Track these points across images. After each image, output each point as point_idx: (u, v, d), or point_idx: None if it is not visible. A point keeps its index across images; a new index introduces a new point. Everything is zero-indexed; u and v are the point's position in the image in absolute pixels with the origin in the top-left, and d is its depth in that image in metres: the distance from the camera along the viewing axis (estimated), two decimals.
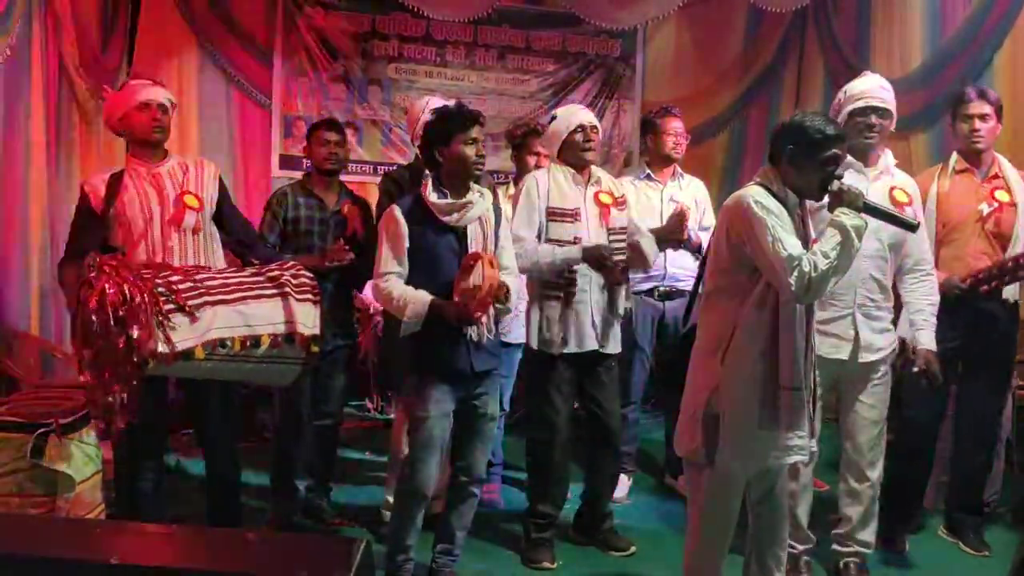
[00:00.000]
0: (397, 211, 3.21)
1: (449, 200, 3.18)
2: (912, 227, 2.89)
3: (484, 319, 3.17)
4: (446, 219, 3.17)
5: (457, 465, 3.38)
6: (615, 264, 3.58)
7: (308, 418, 4.02)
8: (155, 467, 3.53)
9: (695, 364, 2.85)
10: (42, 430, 3.15)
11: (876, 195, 3.28)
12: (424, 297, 3.11)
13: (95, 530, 2.32)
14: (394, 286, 3.16)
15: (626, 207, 3.74)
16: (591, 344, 3.62)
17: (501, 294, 3.12)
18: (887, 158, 3.49)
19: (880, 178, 3.44)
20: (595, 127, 3.70)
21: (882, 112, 3.41)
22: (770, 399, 2.67)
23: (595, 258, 3.57)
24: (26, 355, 4.44)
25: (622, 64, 6.97)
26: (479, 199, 3.23)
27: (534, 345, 3.66)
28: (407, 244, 3.17)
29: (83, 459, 3.25)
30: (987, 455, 4.02)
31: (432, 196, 3.18)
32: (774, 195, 2.72)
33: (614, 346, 3.71)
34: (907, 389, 3.82)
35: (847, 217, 2.62)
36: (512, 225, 3.60)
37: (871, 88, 3.44)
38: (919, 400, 3.86)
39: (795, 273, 2.55)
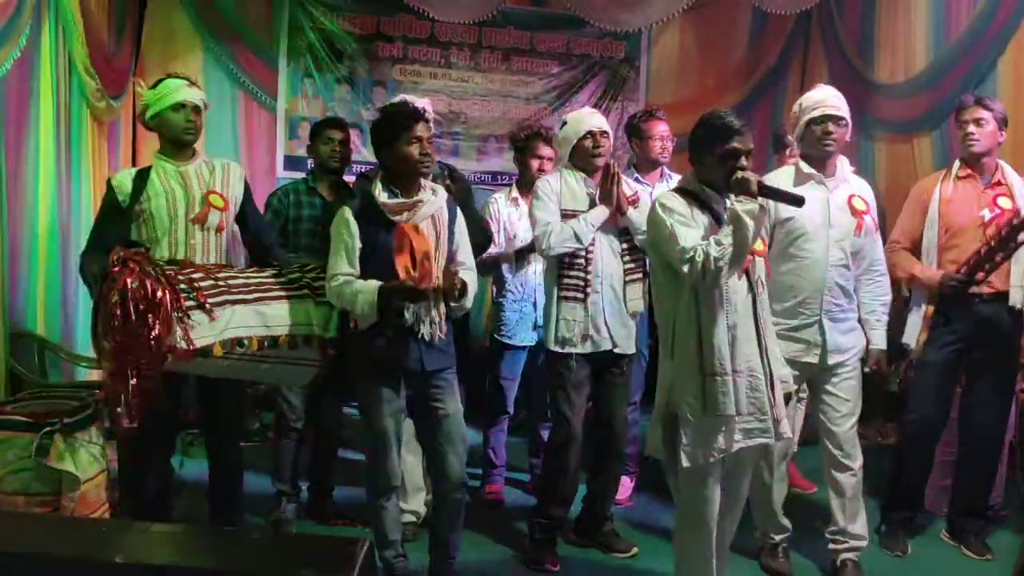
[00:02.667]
0: (348, 212, 3.20)
1: (399, 200, 3.17)
2: (798, 202, 2.92)
3: (437, 317, 3.16)
4: (397, 219, 3.16)
5: (435, 476, 3.37)
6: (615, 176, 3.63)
7: (304, 419, 4.03)
8: (161, 467, 3.54)
9: (659, 366, 3.03)
10: (47, 429, 3.18)
11: (836, 204, 3.46)
12: (372, 285, 3.09)
13: (100, 529, 2.35)
14: (343, 283, 3.14)
15: (639, 205, 3.72)
16: (605, 344, 3.63)
17: (454, 276, 3.13)
18: (844, 166, 3.56)
19: (839, 187, 3.51)
20: (605, 132, 3.70)
21: (838, 120, 3.45)
22: (702, 386, 2.82)
23: (609, 191, 3.59)
24: (32, 355, 4.46)
25: (626, 66, 6.97)
26: (431, 197, 3.22)
27: (551, 346, 3.67)
28: (359, 245, 3.16)
29: (88, 458, 3.27)
30: (991, 459, 4.03)
31: (382, 196, 3.17)
32: (692, 194, 2.91)
33: (628, 346, 3.71)
34: (910, 392, 3.84)
35: (740, 204, 2.76)
36: (536, 217, 3.65)
37: (826, 97, 3.50)
38: (921, 403, 3.87)
39: (688, 263, 2.76)
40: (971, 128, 3.75)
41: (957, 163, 3.88)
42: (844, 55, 6.27)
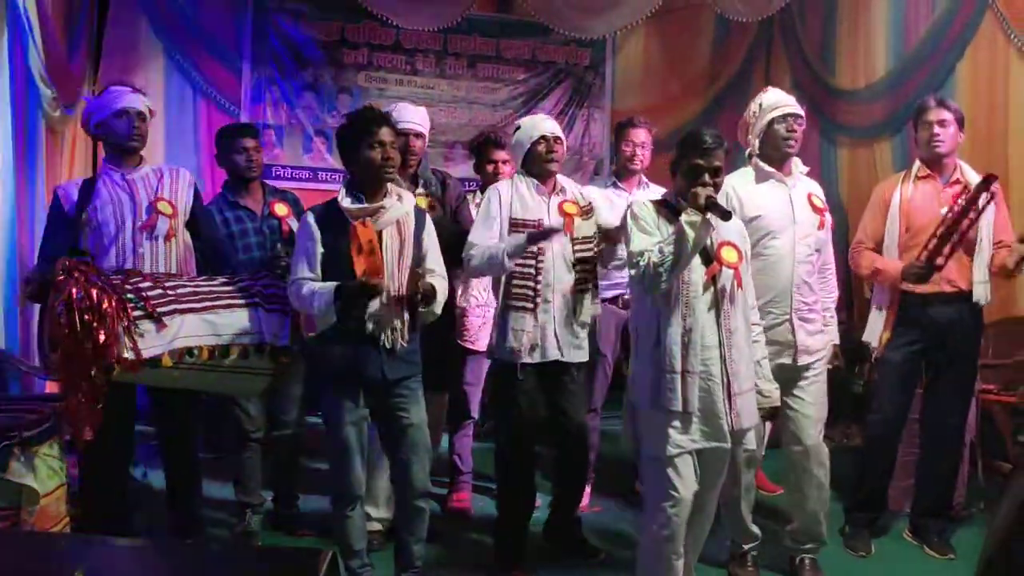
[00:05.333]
0: (310, 217, 3.19)
1: (362, 205, 3.15)
2: (726, 216, 2.94)
3: (398, 324, 3.14)
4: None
5: (398, 484, 3.35)
6: (557, 230, 3.53)
7: (265, 429, 3.99)
8: (120, 479, 3.50)
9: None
10: (6, 443, 3.12)
11: (798, 201, 3.55)
12: (329, 285, 3.08)
13: (60, 543, 2.31)
14: (304, 286, 3.12)
15: (593, 215, 3.72)
16: (553, 354, 3.59)
17: (418, 278, 3.10)
18: (797, 166, 3.64)
19: (796, 186, 3.58)
20: (558, 138, 3.68)
21: (798, 118, 3.56)
22: (656, 382, 2.96)
23: (540, 236, 3.51)
24: None
25: (591, 73, 7.02)
26: (395, 203, 3.20)
27: (498, 355, 3.64)
28: (320, 250, 3.14)
29: (47, 472, 3.21)
30: (953, 459, 4.07)
31: (345, 201, 3.16)
32: (671, 205, 3.04)
33: (578, 355, 3.66)
34: (872, 392, 3.88)
35: (685, 216, 2.87)
36: (469, 237, 3.60)
37: (785, 97, 3.61)
38: (882, 403, 3.91)
39: (635, 267, 2.95)
40: (936, 129, 3.80)
41: (917, 164, 3.93)
42: (806, 61, 6.35)
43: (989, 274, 3.78)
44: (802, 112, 3.60)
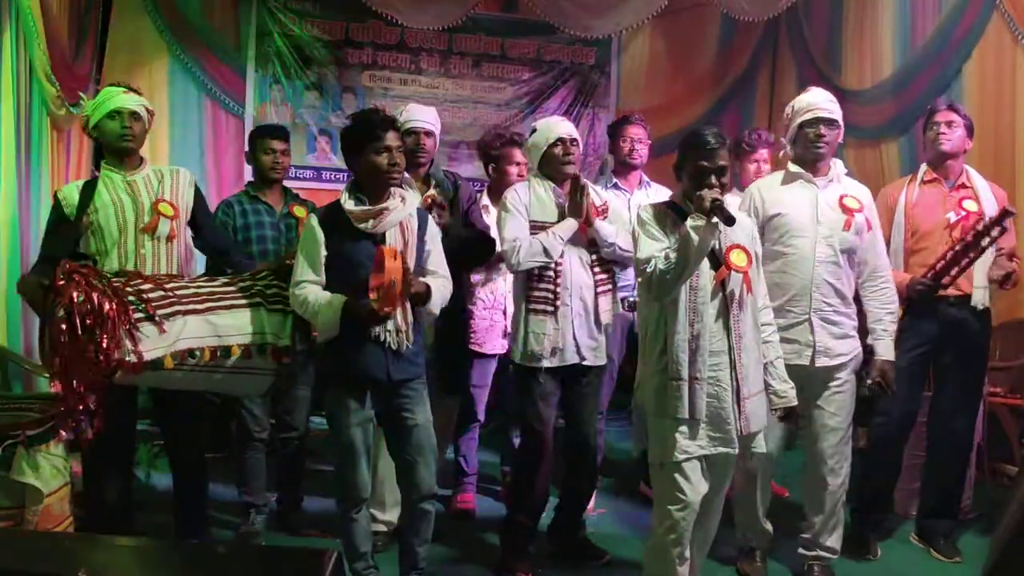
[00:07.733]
0: (313, 220, 3.17)
1: (365, 207, 3.13)
2: (728, 221, 2.88)
3: (404, 326, 3.12)
4: (362, 226, 3.12)
5: (404, 486, 3.32)
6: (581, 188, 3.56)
7: (271, 430, 3.98)
8: (124, 479, 3.49)
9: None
10: (9, 442, 3.12)
11: (826, 202, 3.49)
12: (337, 301, 3.06)
13: (63, 543, 2.30)
14: (308, 292, 3.10)
15: (609, 214, 3.69)
16: (573, 357, 3.57)
17: (410, 282, 3.05)
18: (836, 167, 3.59)
19: (829, 187, 3.53)
20: (574, 140, 3.65)
21: (830, 123, 3.51)
22: (663, 389, 2.94)
23: (578, 203, 3.53)
24: None
25: (597, 72, 7.00)
26: (399, 205, 3.17)
27: (519, 359, 3.62)
28: (324, 252, 3.12)
29: (51, 471, 3.21)
30: (959, 462, 4.05)
31: (349, 204, 3.14)
32: (677, 208, 2.97)
33: (597, 358, 3.65)
34: (878, 395, 3.86)
35: (691, 220, 2.82)
36: (503, 233, 3.58)
37: (819, 101, 3.55)
38: (890, 405, 3.90)
39: (642, 274, 2.92)
40: (943, 129, 3.80)
41: (924, 167, 3.92)
42: (812, 61, 6.34)
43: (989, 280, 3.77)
44: (835, 116, 3.52)
